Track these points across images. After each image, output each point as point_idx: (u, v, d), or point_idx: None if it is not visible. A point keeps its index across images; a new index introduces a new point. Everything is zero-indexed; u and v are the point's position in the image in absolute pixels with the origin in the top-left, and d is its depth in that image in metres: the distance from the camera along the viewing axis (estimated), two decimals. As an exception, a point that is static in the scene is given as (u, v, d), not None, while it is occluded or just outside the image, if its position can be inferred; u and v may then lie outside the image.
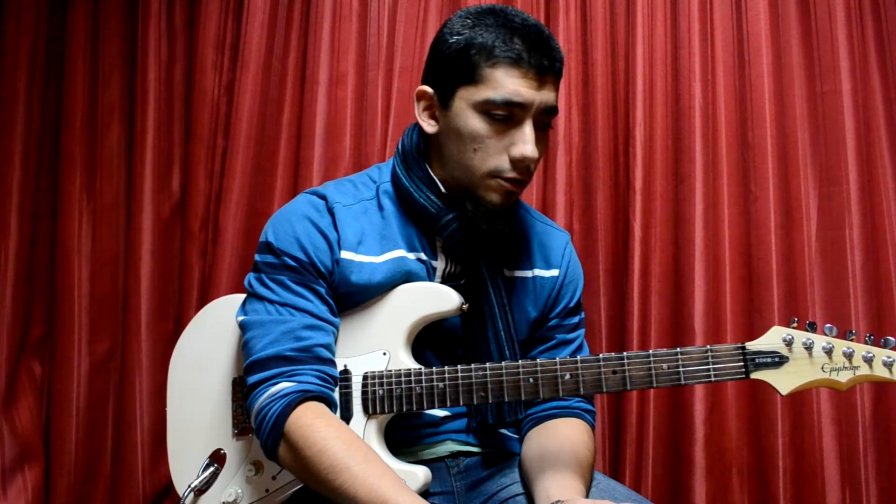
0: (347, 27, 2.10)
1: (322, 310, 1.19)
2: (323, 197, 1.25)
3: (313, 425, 1.09)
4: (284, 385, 1.12)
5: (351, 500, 1.03)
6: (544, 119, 1.18)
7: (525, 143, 1.14)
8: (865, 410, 1.77)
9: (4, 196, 2.18)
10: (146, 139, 2.17)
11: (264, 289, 1.20)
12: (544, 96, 1.15)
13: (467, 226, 1.22)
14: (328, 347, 1.18)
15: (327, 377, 1.16)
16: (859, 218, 1.82)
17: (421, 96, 1.23)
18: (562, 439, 1.20)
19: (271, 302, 1.18)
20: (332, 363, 1.18)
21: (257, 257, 1.23)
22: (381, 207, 1.26)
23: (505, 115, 1.14)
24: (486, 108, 1.14)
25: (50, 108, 2.25)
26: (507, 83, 1.13)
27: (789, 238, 1.85)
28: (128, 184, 2.21)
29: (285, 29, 2.15)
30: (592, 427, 1.28)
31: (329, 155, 2.07)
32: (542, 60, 1.14)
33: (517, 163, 1.15)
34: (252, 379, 1.15)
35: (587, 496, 1.12)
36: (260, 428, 1.13)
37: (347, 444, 1.08)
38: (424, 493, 1.14)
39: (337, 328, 1.21)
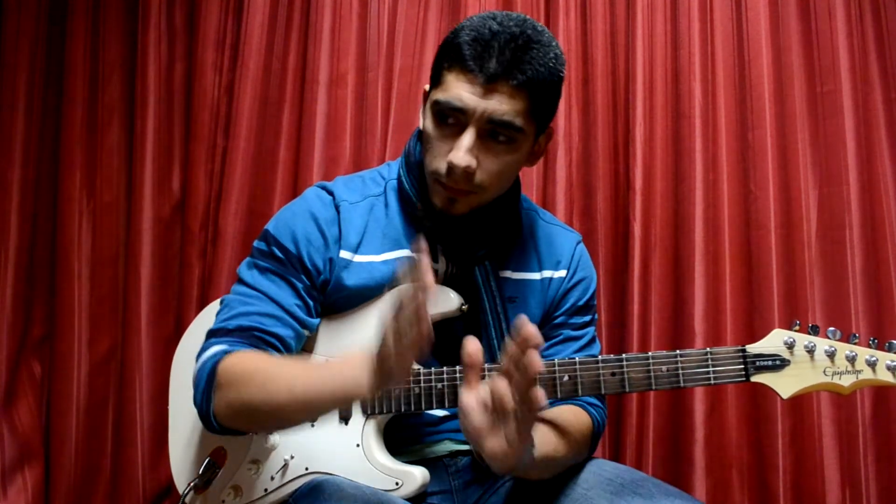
0: (347, 27, 2.10)
1: (291, 303, 1.18)
2: (331, 192, 1.26)
3: (243, 359, 1.09)
4: (217, 348, 1.12)
5: (292, 400, 1.03)
6: (497, 130, 1.11)
7: (458, 149, 1.10)
8: (865, 410, 1.77)
9: (4, 196, 2.18)
10: (146, 139, 2.17)
11: (247, 272, 1.22)
12: (491, 105, 1.09)
13: (460, 229, 1.21)
14: (281, 340, 1.16)
15: (265, 345, 1.15)
16: (859, 218, 1.81)
17: (423, 95, 1.24)
18: (555, 415, 1.16)
19: (248, 286, 1.20)
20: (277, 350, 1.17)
21: (254, 242, 1.26)
22: (386, 205, 1.27)
23: (450, 120, 1.12)
24: (436, 110, 1.13)
25: (50, 108, 2.24)
26: (454, 87, 1.10)
27: (789, 238, 1.84)
28: (128, 184, 2.20)
29: (285, 29, 2.15)
30: (596, 420, 1.24)
31: (329, 155, 2.07)
32: (493, 67, 1.07)
33: (449, 169, 1.12)
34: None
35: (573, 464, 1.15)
36: (195, 390, 1.12)
37: (277, 362, 1.10)
38: (423, 493, 1.14)
39: (307, 327, 1.20)
